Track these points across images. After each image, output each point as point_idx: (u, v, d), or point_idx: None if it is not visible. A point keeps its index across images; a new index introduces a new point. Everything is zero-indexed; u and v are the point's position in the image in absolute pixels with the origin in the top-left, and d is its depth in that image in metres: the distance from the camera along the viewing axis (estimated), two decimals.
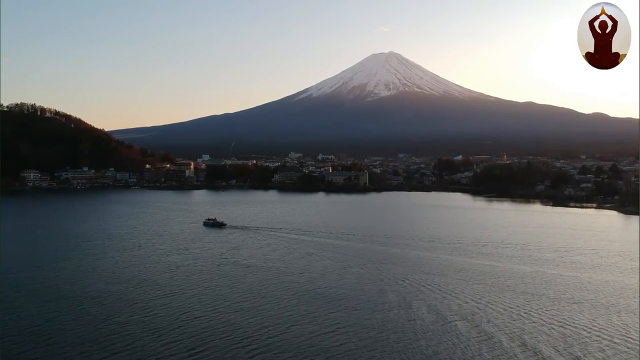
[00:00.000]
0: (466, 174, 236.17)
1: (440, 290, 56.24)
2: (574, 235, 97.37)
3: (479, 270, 66.44)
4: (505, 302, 52.01)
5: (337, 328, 44.28)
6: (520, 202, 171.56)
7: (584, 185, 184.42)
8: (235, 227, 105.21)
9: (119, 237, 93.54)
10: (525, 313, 48.59)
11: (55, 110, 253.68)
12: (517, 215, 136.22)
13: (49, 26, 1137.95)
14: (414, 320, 46.31)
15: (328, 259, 73.50)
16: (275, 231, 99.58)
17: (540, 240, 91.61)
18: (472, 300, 52.82)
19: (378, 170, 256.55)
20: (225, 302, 52.23)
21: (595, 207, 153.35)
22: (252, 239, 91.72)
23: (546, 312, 49.08)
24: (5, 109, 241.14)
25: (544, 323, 45.63)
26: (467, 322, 45.79)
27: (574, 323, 45.83)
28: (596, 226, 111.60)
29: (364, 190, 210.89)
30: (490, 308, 50.10)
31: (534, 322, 45.82)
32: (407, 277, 62.21)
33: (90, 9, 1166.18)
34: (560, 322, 45.99)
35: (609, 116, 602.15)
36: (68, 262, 71.42)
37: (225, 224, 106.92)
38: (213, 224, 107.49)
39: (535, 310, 49.58)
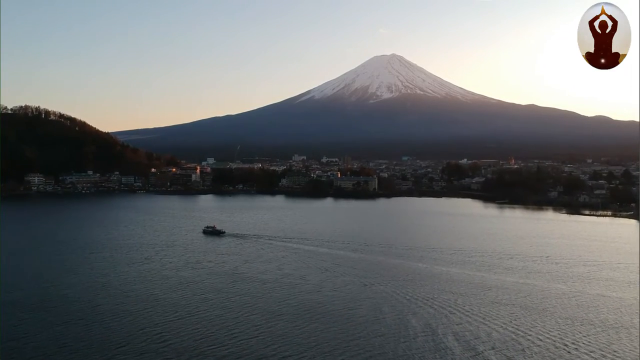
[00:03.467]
0: (476, 179, 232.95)
1: (468, 314, 52.94)
2: (600, 248, 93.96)
3: (508, 289, 63.14)
4: (543, 329, 48.57)
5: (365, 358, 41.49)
6: (533, 209, 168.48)
7: (597, 191, 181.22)
8: (234, 236, 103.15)
9: (127, 247, 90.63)
10: (568, 343, 45.09)
11: (60, 113, 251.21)
12: (533, 224, 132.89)
13: (52, 28, 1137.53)
14: (442, 350, 43.24)
15: (346, 275, 70.31)
16: (287, 241, 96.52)
17: (565, 253, 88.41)
18: (506, 326, 49.38)
19: (386, 175, 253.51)
20: (245, 325, 49.30)
21: (611, 215, 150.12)
22: (265, 251, 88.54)
23: (593, 341, 45.56)
24: (10, 112, 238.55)
25: (592, 356, 42.39)
26: (501, 354, 42.29)
27: (625, 354, 42.61)
28: (620, 237, 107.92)
29: (373, 195, 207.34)
30: (526, 336, 46.50)
31: (579, 354, 42.60)
32: (433, 297, 59.02)
33: (93, 11, 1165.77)
34: (612, 354, 42.75)
35: (611, 119, 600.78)
36: (76, 277, 68.53)
37: (225, 232, 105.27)
38: (212, 231, 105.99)
39: (580, 339, 46.15)
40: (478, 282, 66.72)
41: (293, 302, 57.40)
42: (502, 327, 49.24)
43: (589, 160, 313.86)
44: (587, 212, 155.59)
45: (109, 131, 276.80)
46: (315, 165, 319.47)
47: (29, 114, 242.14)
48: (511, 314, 53.39)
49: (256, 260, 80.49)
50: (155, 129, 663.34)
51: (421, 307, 55.35)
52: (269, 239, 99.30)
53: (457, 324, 50.01)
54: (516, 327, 49.35)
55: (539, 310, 54.94)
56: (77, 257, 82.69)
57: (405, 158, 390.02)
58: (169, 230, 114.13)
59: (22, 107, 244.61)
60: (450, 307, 55.59)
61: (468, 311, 54.09)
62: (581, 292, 62.39)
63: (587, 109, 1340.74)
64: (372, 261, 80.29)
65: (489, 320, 51.07)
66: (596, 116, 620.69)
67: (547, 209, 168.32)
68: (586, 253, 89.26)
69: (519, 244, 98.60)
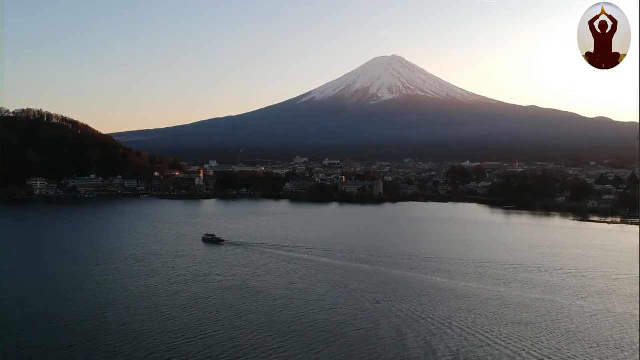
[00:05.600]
0: (482, 183, 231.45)
1: (490, 336, 50.63)
2: (616, 259, 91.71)
3: (527, 306, 60.90)
4: (569, 355, 46.22)
5: None
6: (540, 215, 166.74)
7: (606, 197, 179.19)
8: (236, 245, 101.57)
9: (133, 258, 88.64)
10: None
11: (62, 117, 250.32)
12: (543, 232, 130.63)
13: (53, 30, 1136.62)
14: None
15: (359, 290, 68.07)
16: (294, 251, 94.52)
17: (580, 264, 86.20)
18: (529, 350, 46.98)
19: (390, 178, 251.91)
20: (260, 348, 47.30)
21: (620, 222, 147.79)
22: (273, 262, 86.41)
23: None
24: (12, 115, 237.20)
25: None
26: None
27: None
28: (633, 247, 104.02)
29: (379, 200, 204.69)
30: None
31: None
32: (450, 316, 56.80)
33: (94, 13, 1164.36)
34: None
35: (612, 120, 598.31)
36: (80, 292, 66.49)
37: (224, 240, 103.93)
38: (212, 239, 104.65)
39: None
40: (495, 298, 64.70)
41: (307, 322, 55.42)
42: (525, 350, 47.17)
43: (593, 163, 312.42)
44: (596, 219, 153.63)
45: (109, 132, 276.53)
46: (318, 168, 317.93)
47: (31, 118, 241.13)
48: (534, 336, 51.24)
49: (265, 273, 78.45)
50: (155, 130, 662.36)
51: (439, 328, 53.23)
52: (276, 249, 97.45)
53: (477, 347, 48.00)
54: (540, 352, 47.23)
55: (563, 331, 52.71)
56: (82, 269, 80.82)
57: (407, 160, 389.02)
58: (175, 239, 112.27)
59: (24, 110, 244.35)
60: (469, 327, 53.43)
61: (488, 332, 52.05)
62: (605, 310, 60.12)
63: (588, 110, 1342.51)
64: (385, 274, 78.18)
65: (511, 344, 49.01)
66: (597, 117, 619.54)
67: (554, 215, 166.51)
68: (602, 264, 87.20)
69: (531, 254, 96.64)
